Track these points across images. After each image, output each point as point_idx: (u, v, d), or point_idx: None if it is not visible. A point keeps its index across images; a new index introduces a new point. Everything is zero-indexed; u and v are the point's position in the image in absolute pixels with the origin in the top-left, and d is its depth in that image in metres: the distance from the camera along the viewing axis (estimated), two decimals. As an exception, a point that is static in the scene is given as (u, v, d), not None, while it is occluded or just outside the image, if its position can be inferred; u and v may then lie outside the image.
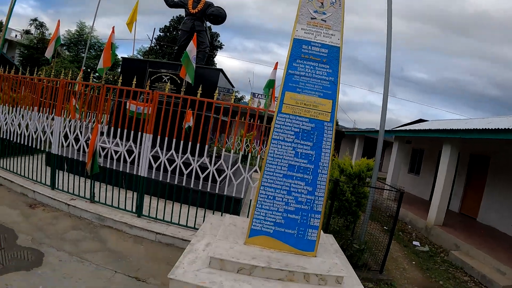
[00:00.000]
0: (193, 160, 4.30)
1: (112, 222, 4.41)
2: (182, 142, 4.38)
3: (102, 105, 4.59)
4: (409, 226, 9.19)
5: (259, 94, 19.38)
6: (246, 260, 2.62)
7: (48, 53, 5.51)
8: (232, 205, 4.44)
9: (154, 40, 24.44)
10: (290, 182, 3.00)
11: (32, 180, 5.35)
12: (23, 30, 28.51)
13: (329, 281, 2.65)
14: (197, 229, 4.33)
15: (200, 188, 4.43)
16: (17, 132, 5.41)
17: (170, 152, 4.37)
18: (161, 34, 26.23)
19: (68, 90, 5.22)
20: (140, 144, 4.45)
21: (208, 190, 4.50)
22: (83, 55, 21.48)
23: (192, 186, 4.44)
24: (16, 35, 29.91)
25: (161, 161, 4.37)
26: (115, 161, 4.60)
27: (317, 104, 3.01)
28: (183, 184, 4.73)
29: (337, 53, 3.07)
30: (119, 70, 21.50)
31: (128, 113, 4.48)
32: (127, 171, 4.57)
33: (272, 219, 2.99)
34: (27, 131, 5.29)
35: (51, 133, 4.99)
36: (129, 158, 4.49)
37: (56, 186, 5.12)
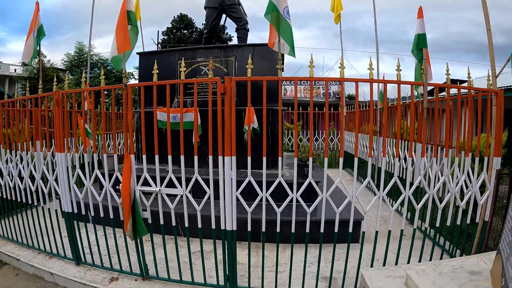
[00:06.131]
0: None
1: (189, 314, 2.59)
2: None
3: (130, 119, 2.71)
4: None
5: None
6: None
7: (27, 54, 3.29)
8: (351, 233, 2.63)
9: (159, 46, 22.30)
10: None
11: (46, 252, 3.56)
12: (20, 62, 27.11)
13: None
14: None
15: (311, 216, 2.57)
16: (8, 184, 3.61)
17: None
18: (165, 37, 24.13)
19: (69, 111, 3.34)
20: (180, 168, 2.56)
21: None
22: (87, 76, 19.71)
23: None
24: (15, 70, 28.45)
25: (263, 197, 2.51)
26: (172, 209, 2.71)
27: None
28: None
29: None
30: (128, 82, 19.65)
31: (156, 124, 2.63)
32: (188, 212, 2.73)
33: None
34: (21, 183, 3.46)
35: (56, 180, 3.15)
36: (198, 205, 2.63)
37: (83, 259, 3.30)
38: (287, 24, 2.44)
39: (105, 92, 3.02)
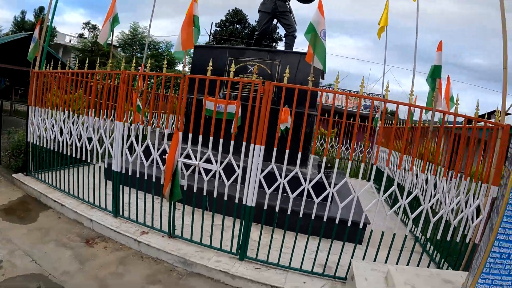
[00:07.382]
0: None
1: (204, 269, 3.09)
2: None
3: (184, 103, 3.27)
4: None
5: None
6: None
7: (103, 38, 4.15)
8: (346, 232, 3.07)
9: (211, 36, 23.01)
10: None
11: (88, 203, 4.20)
12: (77, 34, 28.49)
13: None
14: (328, 276, 3.11)
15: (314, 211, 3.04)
16: (66, 141, 4.27)
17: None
18: (217, 29, 24.76)
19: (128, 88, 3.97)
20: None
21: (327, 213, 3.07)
22: (138, 55, 20.69)
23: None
24: (70, 40, 29.68)
25: (280, 183, 3.02)
26: (206, 180, 3.27)
27: None
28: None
29: None
30: (181, 66, 20.57)
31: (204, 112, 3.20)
32: (217, 190, 3.26)
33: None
34: (79, 141, 4.10)
35: (111, 144, 3.77)
36: (227, 180, 3.16)
37: (120, 213, 3.91)
38: (322, 45, 2.93)
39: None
